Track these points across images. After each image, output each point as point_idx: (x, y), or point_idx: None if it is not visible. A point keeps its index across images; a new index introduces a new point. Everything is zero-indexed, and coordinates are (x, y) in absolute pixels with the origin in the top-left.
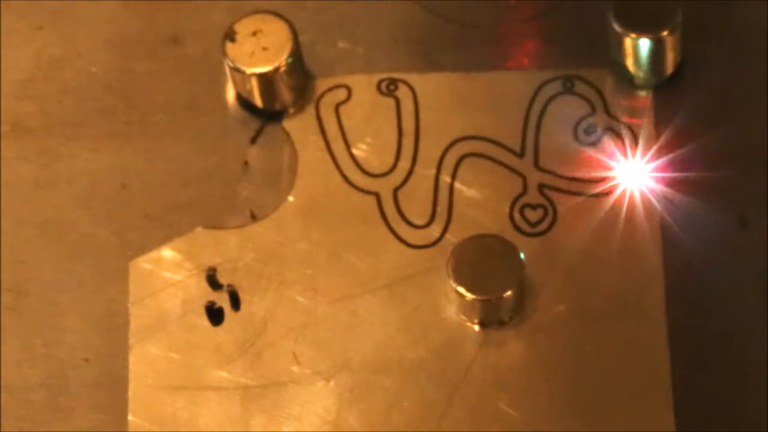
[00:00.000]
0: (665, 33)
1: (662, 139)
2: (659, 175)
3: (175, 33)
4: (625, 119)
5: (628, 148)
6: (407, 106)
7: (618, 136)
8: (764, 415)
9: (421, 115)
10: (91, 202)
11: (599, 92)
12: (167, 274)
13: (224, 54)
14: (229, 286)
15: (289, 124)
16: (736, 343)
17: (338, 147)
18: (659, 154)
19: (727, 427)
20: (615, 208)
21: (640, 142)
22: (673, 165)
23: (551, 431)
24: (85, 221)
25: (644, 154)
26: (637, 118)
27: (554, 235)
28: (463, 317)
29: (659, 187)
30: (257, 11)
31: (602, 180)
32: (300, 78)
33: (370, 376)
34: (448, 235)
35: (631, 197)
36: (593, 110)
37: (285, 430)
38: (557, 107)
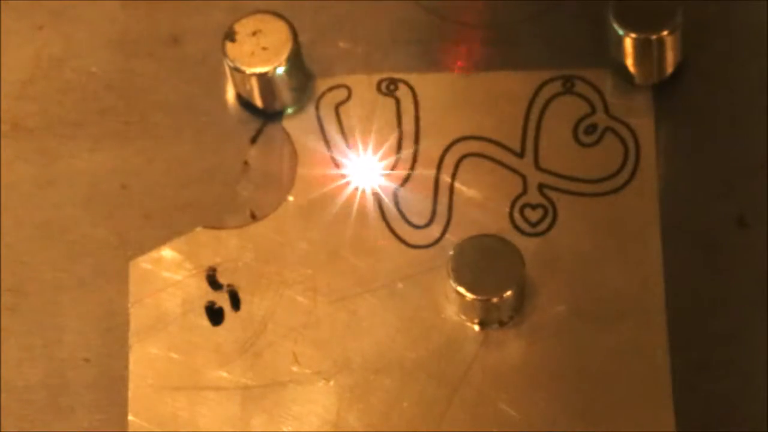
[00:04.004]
0: (665, 33)
1: (662, 139)
2: (390, 172)
3: (175, 33)
4: (625, 119)
5: (360, 146)
6: (407, 106)
7: (618, 136)
8: (764, 415)
9: (421, 115)
10: (91, 202)
11: (599, 92)
12: (167, 274)
13: (224, 54)
14: (229, 286)
15: (289, 124)
16: (736, 343)
17: (338, 147)
18: (391, 151)
19: (727, 427)
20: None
21: (371, 138)
22: (672, 164)
23: (551, 431)
24: (85, 221)
25: (375, 151)
26: (637, 118)
27: (554, 235)
28: (463, 317)
29: (390, 185)
30: (257, 11)
31: (602, 180)
32: (300, 78)
33: (370, 376)
34: (448, 235)
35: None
36: (593, 110)
37: (285, 430)
38: (557, 107)
